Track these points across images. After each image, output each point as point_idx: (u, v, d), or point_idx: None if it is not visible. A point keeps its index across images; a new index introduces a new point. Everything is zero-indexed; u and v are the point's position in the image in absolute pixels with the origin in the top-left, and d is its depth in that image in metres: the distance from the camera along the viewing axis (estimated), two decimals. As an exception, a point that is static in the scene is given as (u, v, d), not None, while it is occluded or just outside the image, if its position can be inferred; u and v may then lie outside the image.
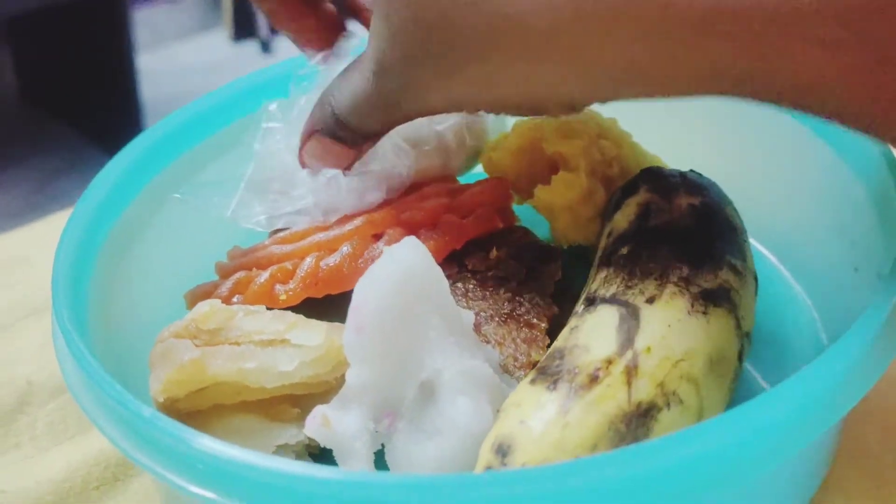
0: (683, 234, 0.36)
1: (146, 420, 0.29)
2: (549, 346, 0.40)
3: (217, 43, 2.17)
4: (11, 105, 1.98)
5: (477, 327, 0.41)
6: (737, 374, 0.35)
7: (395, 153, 0.47)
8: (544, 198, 0.44)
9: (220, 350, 0.35)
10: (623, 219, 0.38)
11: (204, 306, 0.37)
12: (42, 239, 0.55)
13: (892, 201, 0.35)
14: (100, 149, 1.86)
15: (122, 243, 0.45)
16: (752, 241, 0.47)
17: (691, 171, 0.41)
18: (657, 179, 0.39)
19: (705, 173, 0.43)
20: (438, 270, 0.36)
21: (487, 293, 0.44)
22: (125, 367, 0.40)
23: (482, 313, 0.42)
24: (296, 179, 0.46)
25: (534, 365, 0.39)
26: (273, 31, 2.14)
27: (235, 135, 0.49)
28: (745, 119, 0.46)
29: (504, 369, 0.39)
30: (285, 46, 2.15)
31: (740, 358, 0.35)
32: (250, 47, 2.15)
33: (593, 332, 0.33)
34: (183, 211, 0.48)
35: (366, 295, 0.34)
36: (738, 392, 0.35)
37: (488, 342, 0.40)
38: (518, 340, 0.40)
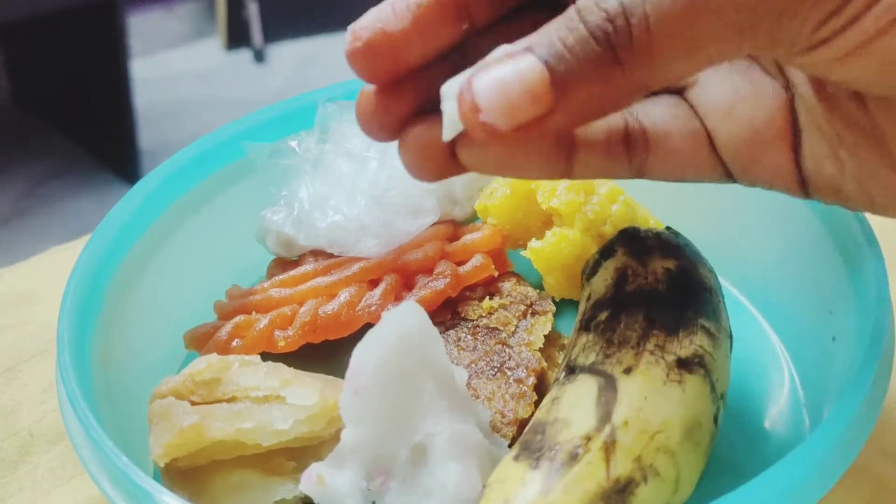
0: (658, 300, 0.38)
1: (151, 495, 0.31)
2: (535, 402, 0.41)
3: (210, 51, 2.18)
4: (3, 110, 1.98)
5: (467, 382, 0.42)
6: (713, 437, 0.36)
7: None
8: (538, 253, 0.45)
9: (218, 411, 0.36)
10: (601, 283, 0.40)
11: (201, 363, 0.38)
12: (46, 274, 0.56)
13: (868, 278, 0.37)
14: (91, 155, 1.86)
15: (125, 283, 0.46)
16: (734, 293, 0.49)
17: (668, 228, 0.43)
18: (633, 242, 0.41)
19: (697, 230, 0.44)
20: (435, 332, 0.37)
21: (478, 343, 0.45)
22: (126, 408, 0.41)
23: (472, 366, 0.43)
24: (353, 198, 0.47)
25: (520, 422, 0.40)
26: (267, 40, 2.14)
27: (227, 178, 0.50)
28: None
29: (492, 425, 0.40)
30: (278, 55, 2.16)
31: (716, 420, 0.36)
32: (244, 56, 2.15)
33: (573, 405, 0.34)
34: (183, 249, 0.49)
35: (364, 358, 0.35)
36: (715, 450, 0.37)
37: (478, 397, 0.42)
38: (506, 396, 0.41)
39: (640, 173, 0.34)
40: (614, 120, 0.33)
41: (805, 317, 0.43)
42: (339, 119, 0.50)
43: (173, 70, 2.11)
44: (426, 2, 0.31)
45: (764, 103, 0.33)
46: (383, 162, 0.49)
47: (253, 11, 2.10)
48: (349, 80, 0.48)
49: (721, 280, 0.42)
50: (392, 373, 0.35)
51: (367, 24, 0.31)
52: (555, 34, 0.27)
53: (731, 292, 0.49)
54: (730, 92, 0.33)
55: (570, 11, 0.27)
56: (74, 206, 1.76)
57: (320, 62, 2.15)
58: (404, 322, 0.36)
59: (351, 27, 0.31)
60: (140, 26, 2.12)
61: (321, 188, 0.48)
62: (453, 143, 0.31)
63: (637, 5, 0.26)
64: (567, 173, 0.33)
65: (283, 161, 0.48)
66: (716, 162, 0.34)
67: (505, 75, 0.27)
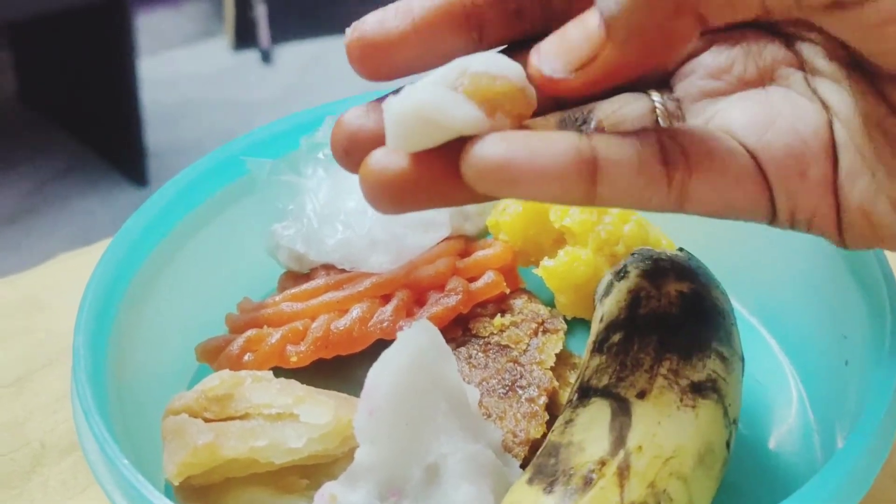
0: (672, 323, 0.38)
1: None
2: (547, 422, 0.41)
3: (218, 51, 2.18)
4: (11, 108, 1.99)
5: (478, 400, 0.42)
6: (725, 462, 0.36)
7: None
8: (550, 272, 0.45)
9: (231, 428, 0.36)
10: (614, 305, 0.40)
11: (213, 379, 0.38)
12: (55, 281, 0.56)
13: (884, 303, 0.37)
14: (97, 154, 1.87)
15: (139, 297, 0.46)
16: (746, 315, 0.49)
17: (681, 250, 0.43)
18: (646, 264, 0.41)
19: (708, 251, 0.44)
20: (448, 351, 0.37)
21: (490, 361, 0.45)
22: (138, 421, 0.41)
23: (484, 384, 0.44)
24: (363, 211, 0.47)
25: (532, 442, 0.41)
26: (274, 40, 2.15)
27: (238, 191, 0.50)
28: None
29: (504, 445, 0.40)
30: (286, 56, 2.16)
31: (728, 446, 0.36)
32: (251, 56, 2.15)
33: (587, 428, 0.35)
34: (195, 262, 0.49)
35: (379, 379, 0.35)
36: (726, 475, 0.37)
37: (489, 416, 0.42)
38: (518, 416, 0.42)
39: (680, 198, 0.31)
40: (646, 138, 0.30)
41: (818, 340, 0.43)
42: None
43: (180, 70, 2.11)
44: (432, 6, 0.32)
45: (805, 117, 0.32)
46: None
47: (260, 12, 2.11)
48: (357, 94, 0.48)
49: (733, 302, 0.42)
50: (406, 393, 0.35)
51: (368, 19, 0.32)
52: None
53: (743, 314, 0.49)
54: (765, 108, 0.32)
55: None
56: (81, 205, 1.76)
57: (327, 63, 2.15)
58: (418, 341, 0.36)
59: (354, 22, 0.32)
60: (148, 25, 2.12)
61: (329, 202, 0.48)
62: (443, 164, 0.30)
63: None
64: (590, 196, 0.29)
65: (284, 177, 0.48)
66: (761, 186, 0.31)
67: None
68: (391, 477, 0.35)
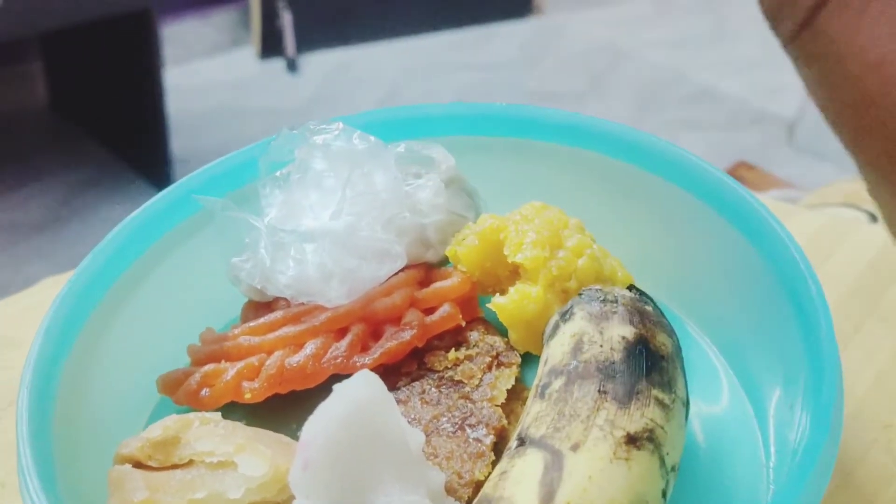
0: (612, 371, 0.37)
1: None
2: (493, 462, 0.41)
3: (244, 60, 2.20)
4: (43, 117, 2.03)
5: (427, 439, 0.42)
6: (660, 511, 0.36)
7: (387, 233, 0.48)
8: (501, 308, 0.45)
9: (171, 482, 0.37)
10: (558, 349, 0.39)
11: (156, 428, 0.39)
12: (33, 312, 0.56)
13: (826, 350, 0.36)
14: (125, 162, 1.89)
15: (100, 328, 0.46)
16: (706, 341, 0.48)
17: (631, 287, 0.42)
18: (592, 305, 0.40)
19: (669, 278, 0.44)
20: (389, 401, 0.37)
21: (442, 397, 0.45)
22: (97, 452, 0.42)
23: (434, 421, 0.43)
24: (320, 243, 0.47)
25: (476, 483, 0.40)
26: (300, 49, 2.16)
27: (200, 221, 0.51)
28: (702, 235, 0.47)
29: (448, 487, 0.40)
30: (311, 65, 2.17)
31: (665, 494, 0.36)
32: (277, 65, 2.17)
33: (518, 482, 0.34)
34: (159, 291, 0.50)
35: (314, 432, 0.35)
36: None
37: (436, 455, 0.42)
38: (464, 456, 0.41)
39: None
40: None
41: (771, 380, 0.42)
42: (302, 143, 0.49)
43: (207, 78, 2.13)
44: None
45: None
46: (346, 190, 0.48)
47: (286, 21, 2.12)
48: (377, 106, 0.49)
49: (696, 336, 0.41)
50: (342, 446, 0.35)
51: None
52: None
53: (698, 340, 0.49)
54: None
55: None
56: (109, 213, 1.79)
57: (352, 72, 2.16)
58: (355, 395, 0.36)
59: None
60: (175, 35, 2.14)
61: (286, 219, 0.48)
62: None
63: None
64: None
65: (234, 214, 0.48)
66: None
67: None
68: (328, 527, 0.35)
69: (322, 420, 0.36)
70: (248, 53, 2.20)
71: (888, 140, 0.25)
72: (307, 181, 0.48)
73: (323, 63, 2.17)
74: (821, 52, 0.26)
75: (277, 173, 0.50)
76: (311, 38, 2.17)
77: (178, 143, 1.83)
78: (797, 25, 0.26)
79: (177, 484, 0.37)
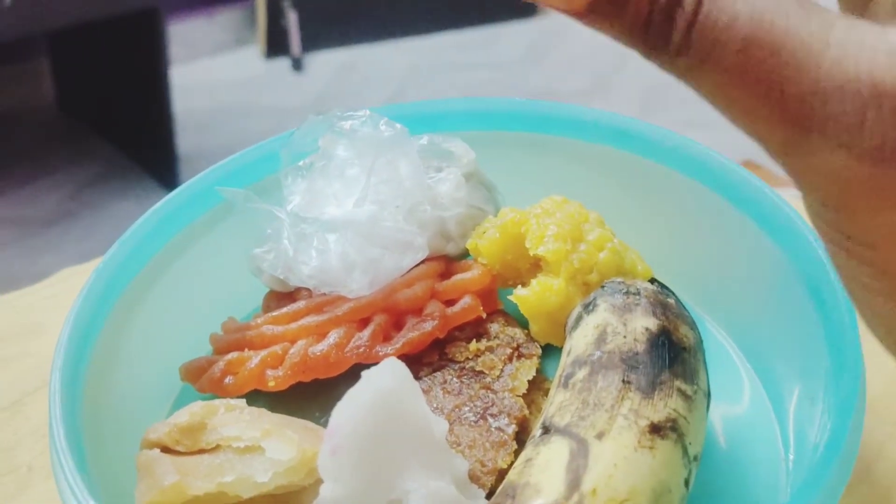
0: (636, 361, 0.38)
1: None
2: (516, 451, 0.42)
3: (249, 59, 2.20)
4: (50, 115, 2.03)
5: (450, 428, 0.42)
6: (683, 498, 0.36)
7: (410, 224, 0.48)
8: (523, 300, 0.46)
9: (200, 465, 0.37)
10: (581, 340, 0.40)
11: (183, 414, 0.39)
12: (54, 301, 0.57)
13: (848, 347, 0.37)
14: (132, 159, 1.90)
15: (125, 316, 0.47)
16: (722, 339, 0.49)
17: (653, 280, 0.43)
18: (616, 297, 0.41)
19: (688, 274, 0.44)
20: (415, 388, 0.38)
21: (464, 387, 0.45)
22: (122, 440, 0.43)
23: (456, 411, 0.44)
24: (343, 233, 0.47)
25: (499, 471, 0.41)
26: (305, 48, 2.16)
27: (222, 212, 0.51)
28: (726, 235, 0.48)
29: (471, 475, 0.40)
30: (317, 64, 2.18)
31: (687, 483, 0.36)
32: (282, 64, 2.18)
33: (544, 469, 0.35)
34: (182, 281, 0.50)
35: (342, 419, 0.36)
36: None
37: (459, 444, 0.42)
38: (487, 445, 0.42)
39: None
40: None
41: (790, 373, 0.43)
42: (326, 132, 0.50)
43: (213, 77, 2.14)
44: None
45: None
46: (370, 178, 0.48)
47: (292, 20, 2.13)
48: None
49: (716, 333, 0.42)
50: (369, 432, 0.36)
51: None
52: None
53: (718, 338, 0.49)
54: None
55: None
56: (116, 210, 1.80)
57: (358, 71, 2.17)
58: (382, 383, 0.37)
59: None
60: (182, 34, 2.15)
61: (307, 207, 0.49)
62: None
63: None
64: None
65: (257, 206, 0.49)
66: None
67: None
68: (355, 511, 0.36)
69: (350, 407, 0.36)
70: (254, 52, 2.21)
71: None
72: (330, 169, 0.49)
73: (328, 62, 2.18)
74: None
75: (300, 162, 0.50)
76: (316, 38, 2.17)
77: (184, 141, 1.83)
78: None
79: (206, 468, 0.37)
